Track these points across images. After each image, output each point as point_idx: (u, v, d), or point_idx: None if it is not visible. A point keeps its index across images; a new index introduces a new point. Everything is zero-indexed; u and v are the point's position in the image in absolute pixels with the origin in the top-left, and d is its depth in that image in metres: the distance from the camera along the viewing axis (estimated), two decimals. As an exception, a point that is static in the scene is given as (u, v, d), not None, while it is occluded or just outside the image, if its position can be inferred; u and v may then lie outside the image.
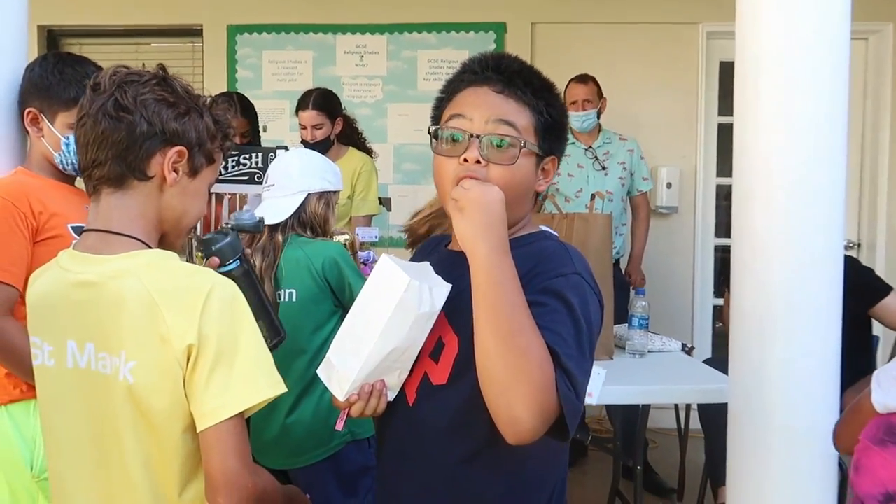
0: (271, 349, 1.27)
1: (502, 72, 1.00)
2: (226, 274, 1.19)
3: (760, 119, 1.49)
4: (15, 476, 1.37)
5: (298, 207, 1.76)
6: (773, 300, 1.46)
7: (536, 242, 1.02)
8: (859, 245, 3.83)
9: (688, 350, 2.47)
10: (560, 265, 0.96)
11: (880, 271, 3.20)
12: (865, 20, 3.50)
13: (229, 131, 1.07)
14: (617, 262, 3.21)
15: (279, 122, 3.79)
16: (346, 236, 2.08)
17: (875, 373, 1.14)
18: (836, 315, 1.48)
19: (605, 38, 3.70)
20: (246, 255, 1.26)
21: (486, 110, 0.97)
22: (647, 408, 2.36)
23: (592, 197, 2.58)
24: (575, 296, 0.93)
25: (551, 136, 1.02)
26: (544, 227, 1.09)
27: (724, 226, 3.82)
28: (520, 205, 1.01)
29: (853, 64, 1.52)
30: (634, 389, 2.03)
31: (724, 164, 3.75)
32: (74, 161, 1.43)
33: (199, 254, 1.32)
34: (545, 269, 0.95)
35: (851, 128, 1.52)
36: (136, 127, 0.96)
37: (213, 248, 1.21)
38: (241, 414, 0.92)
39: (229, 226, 1.33)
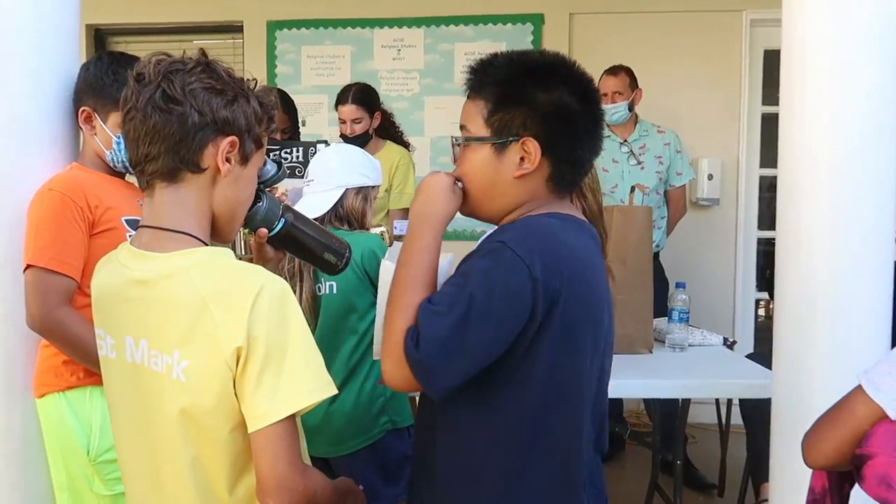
0: (343, 269, 1.30)
1: (471, 76, 1.08)
2: (278, 234, 1.17)
3: (807, 108, 1.45)
4: (72, 459, 1.42)
5: (336, 203, 1.78)
6: (819, 294, 1.43)
7: (518, 223, 1.05)
8: (910, 238, 3.70)
9: (729, 344, 2.42)
10: (492, 237, 1.01)
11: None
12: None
13: (273, 113, 1.03)
14: (656, 256, 3.17)
15: (318, 116, 3.83)
16: (382, 228, 2.10)
17: (862, 375, 0.98)
18: (885, 310, 1.44)
19: (645, 27, 3.64)
20: (284, 204, 1.22)
21: (461, 119, 1.09)
22: (686, 402, 2.34)
23: (632, 189, 2.56)
24: (483, 259, 0.97)
25: (511, 118, 1.02)
26: (554, 211, 1.06)
27: (767, 218, 3.74)
28: (496, 194, 1.06)
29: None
30: (674, 384, 2.00)
31: (768, 155, 3.66)
32: (125, 159, 1.47)
33: (245, 230, 1.29)
34: (483, 244, 1.02)
35: (903, 117, 1.48)
36: (188, 118, 0.93)
37: (258, 220, 1.16)
38: (292, 416, 0.90)
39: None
